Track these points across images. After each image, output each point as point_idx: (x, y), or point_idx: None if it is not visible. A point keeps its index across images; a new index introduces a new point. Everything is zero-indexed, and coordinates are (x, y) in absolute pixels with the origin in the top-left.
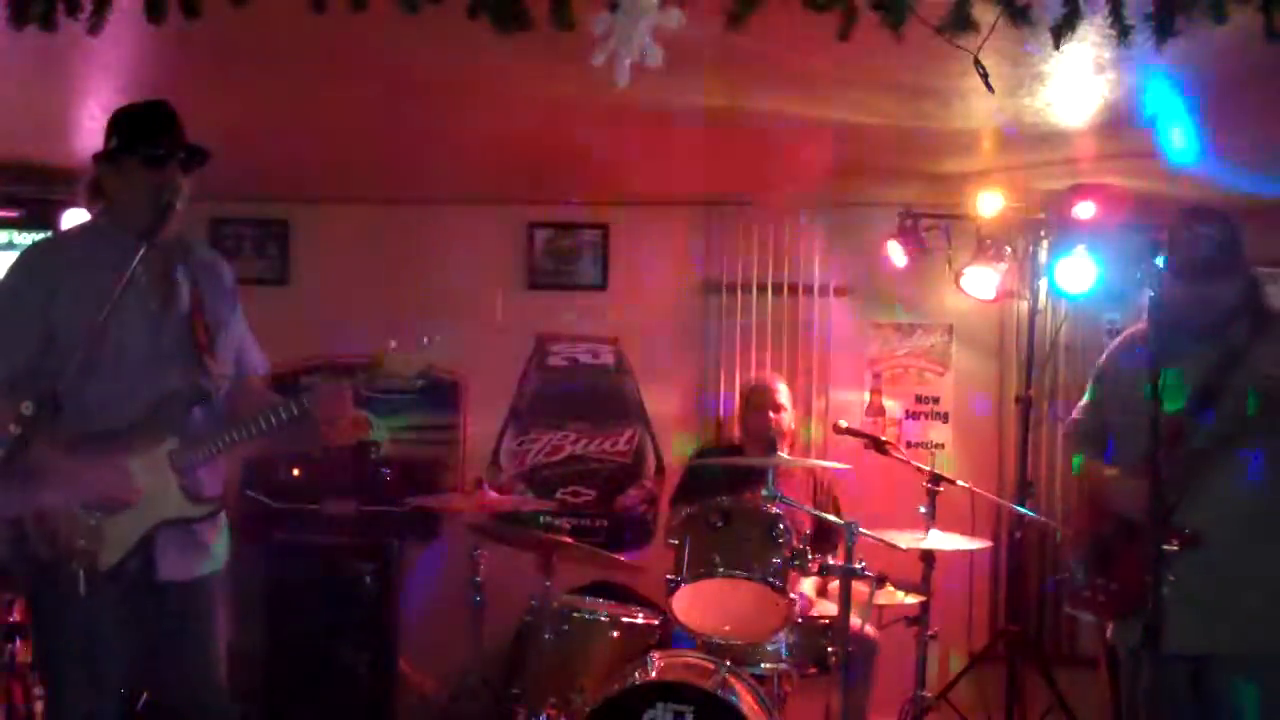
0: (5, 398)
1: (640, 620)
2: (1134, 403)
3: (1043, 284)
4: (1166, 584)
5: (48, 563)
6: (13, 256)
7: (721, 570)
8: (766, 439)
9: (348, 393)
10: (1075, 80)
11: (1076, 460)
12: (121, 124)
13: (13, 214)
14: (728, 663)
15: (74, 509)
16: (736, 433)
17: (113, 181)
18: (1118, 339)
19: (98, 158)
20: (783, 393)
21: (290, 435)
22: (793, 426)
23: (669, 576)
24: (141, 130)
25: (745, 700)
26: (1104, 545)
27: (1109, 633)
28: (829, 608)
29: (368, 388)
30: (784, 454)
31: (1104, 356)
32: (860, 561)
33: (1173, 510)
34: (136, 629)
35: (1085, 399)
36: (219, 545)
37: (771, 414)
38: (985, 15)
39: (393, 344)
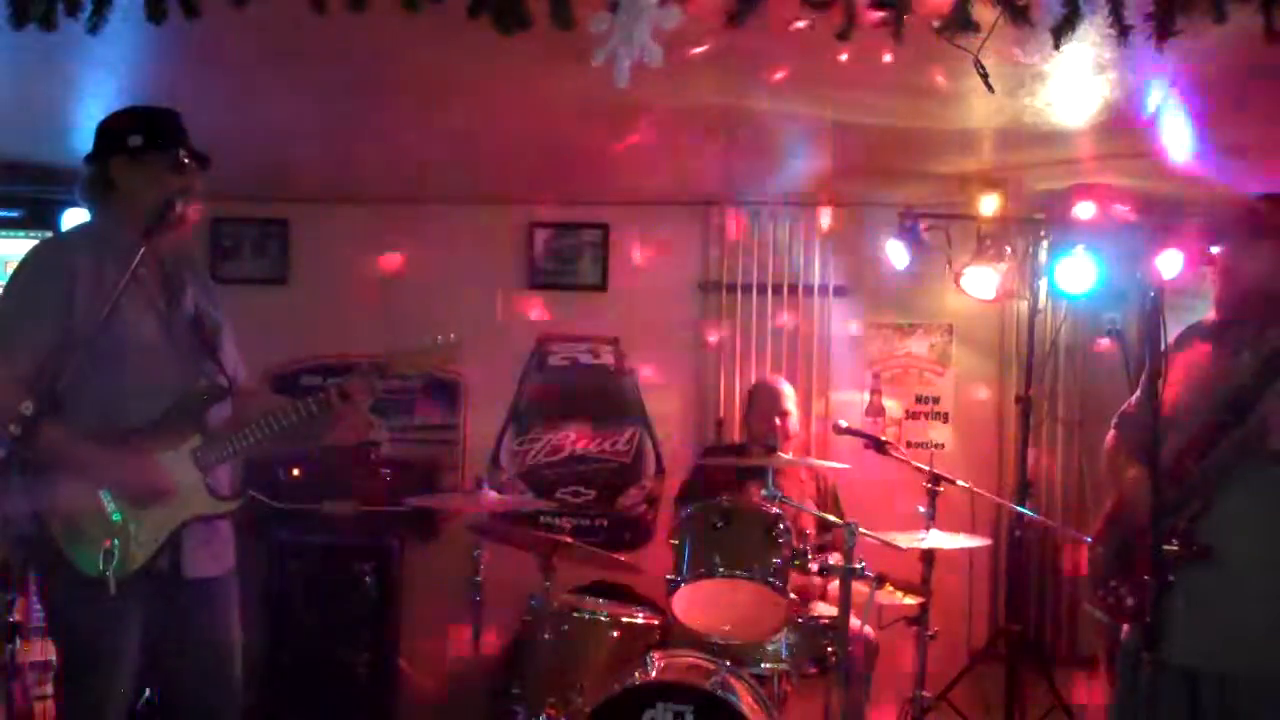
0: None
1: (640, 620)
2: (1175, 396)
3: (1043, 284)
4: (1181, 596)
5: (70, 562)
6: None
7: (721, 570)
8: (769, 441)
9: (377, 383)
10: (1075, 80)
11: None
12: (143, 124)
13: (13, 214)
14: (728, 663)
15: (102, 505)
16: (739, 433)
17: (131, 179)
18: (1183, 328)
19: (114, 153)
20: (788, 396)
21: (307, 431)
22: (797, 430)
23: (669, 576)
24: (168, 133)
25: (745, 700)
26: (1129, 547)
27: (1123, 634)
28: (829, 608)
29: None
30: (785, 454)
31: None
32: (860, 561)
33: (1195, 520)
34: (159, 627)
35: (1139, 389)
36: (232, 542)
37: (777, 420)
38: (985, 15)
39: (449, 336)
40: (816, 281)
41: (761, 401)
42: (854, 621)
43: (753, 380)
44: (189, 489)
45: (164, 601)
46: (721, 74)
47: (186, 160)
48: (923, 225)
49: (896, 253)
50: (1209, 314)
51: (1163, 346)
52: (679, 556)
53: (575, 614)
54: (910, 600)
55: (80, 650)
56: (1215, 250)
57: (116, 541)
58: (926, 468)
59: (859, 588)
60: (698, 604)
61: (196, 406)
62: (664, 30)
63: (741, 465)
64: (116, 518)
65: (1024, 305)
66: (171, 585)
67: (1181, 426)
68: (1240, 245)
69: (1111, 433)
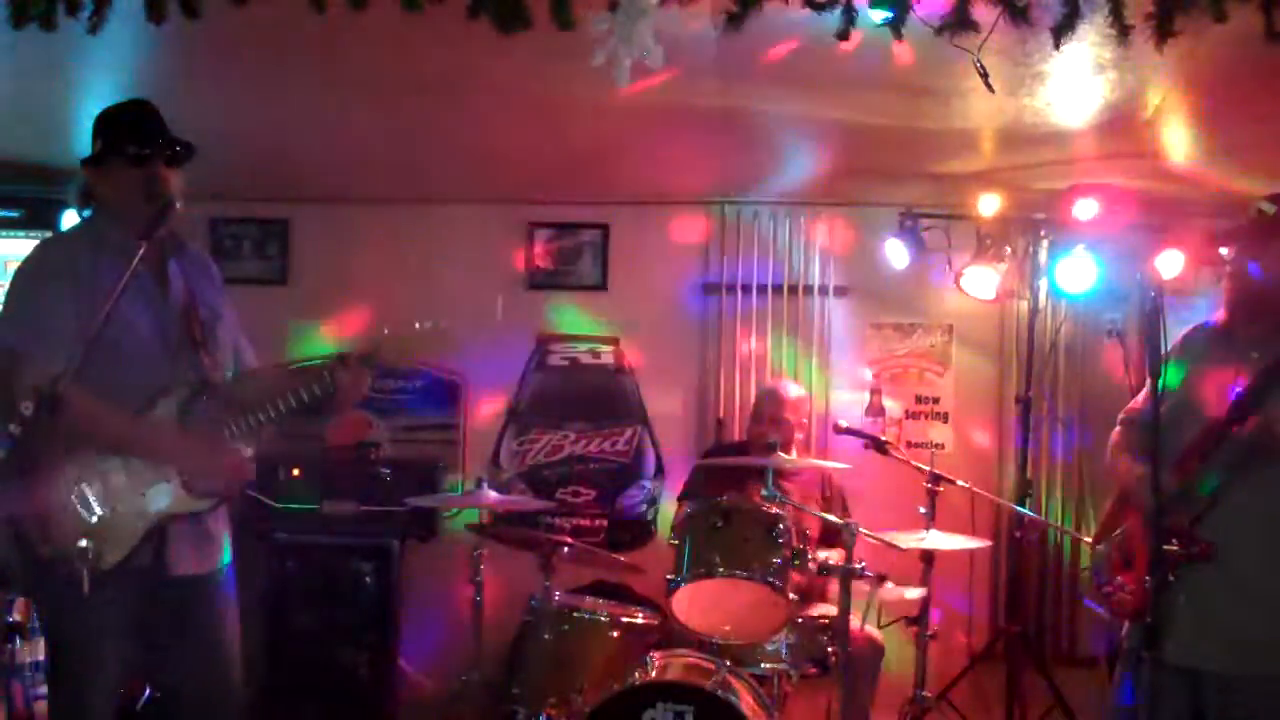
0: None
1: (640, 620)
2: (1180, 395)
3: (1043, 284)
4: (1183, 594)
5: (48, 561)
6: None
7: (721, 570)
8: (767, 446)
9: (365, 373)
10: (1075, 80)
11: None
12: (104, 127)
13: (13, 214)
14: (728, 663)
15: (74, 504)
16: (745, 434)
17: (102, 184)
18: (1189, 326)
19: (85, 163)
20: (789, 404)
21: (303, 413)
22: (800, 436)
23: (669, 576)
24: (124, 130)
25: (745, 700)
26: (1130, 544)
27: (1124, 631)
28: (828, 608)
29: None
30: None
31: (1171, 344)
32: (860, 562)
33: (1198, 519)
34: (148, 625)
35: (1145, 388)
36: (227, 537)
37: (774, 423)
38: (985, 15)
39: (438, 323)
40: (816, 281)
41: (762, 406)
42: (854, 623)
43: (755, 382)
44: (166, 485)
45: (152, 599)
46: (721, 74)
47: (165, 151)
48: (923, 225)
49: (896, 253)
50: (1216, 314)
51: (1163, 346)
52: (679, 556)
53: (575, 614)
54: (914, 593)
55: (65, 647)
56: (1224, 252)
57: (90, 540)
58: (926, 468)
59: (859, 588)
60: (698, 604)
61: (182, 401)
62: (664, 30)
63: (742, 465)
64: (90, 516)
65: (1024, 305)
66: (158, 583)
67: (1186, 426)
68: (1252, 247)
69: (1116, 430)
